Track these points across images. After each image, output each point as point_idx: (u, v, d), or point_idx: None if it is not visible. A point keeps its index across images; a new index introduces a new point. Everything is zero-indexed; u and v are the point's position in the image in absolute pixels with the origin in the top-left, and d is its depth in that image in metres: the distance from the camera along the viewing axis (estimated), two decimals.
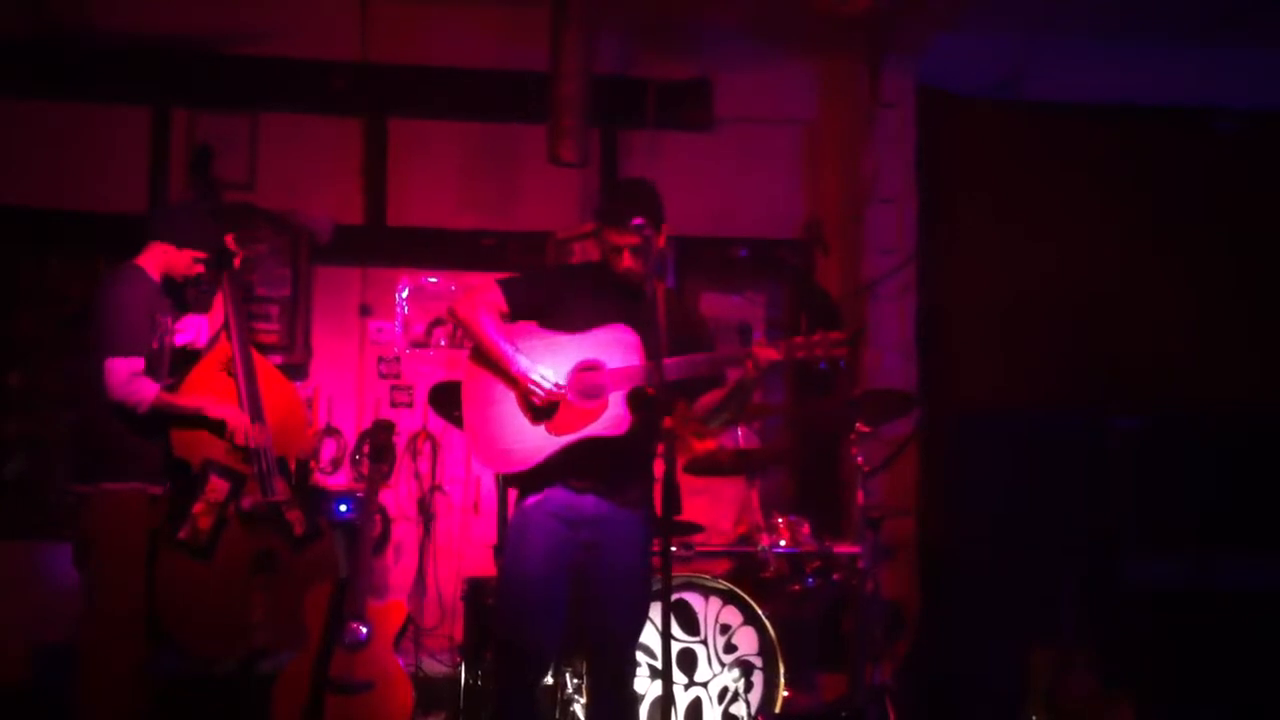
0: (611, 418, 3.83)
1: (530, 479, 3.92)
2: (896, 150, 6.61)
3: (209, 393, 4.76)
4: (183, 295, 4.91)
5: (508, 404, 3.91)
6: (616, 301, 3.94)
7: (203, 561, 4.62)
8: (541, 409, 3.87)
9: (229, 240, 4.88)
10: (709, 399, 4.01)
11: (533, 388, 3.85)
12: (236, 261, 4.89)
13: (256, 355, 4.91)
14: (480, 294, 3.98)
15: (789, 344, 3.77)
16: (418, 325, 6.35)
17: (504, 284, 3.99)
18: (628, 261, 3.90)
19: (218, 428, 4.69)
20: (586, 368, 3.89)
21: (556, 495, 3.90)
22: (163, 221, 4.75)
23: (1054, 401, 6.33)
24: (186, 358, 4.86)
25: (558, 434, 3.85)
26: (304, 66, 6.44)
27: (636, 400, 3.84)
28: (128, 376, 4.45)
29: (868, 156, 6.63)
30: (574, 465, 3.87)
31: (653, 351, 3.76)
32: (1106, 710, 4.94)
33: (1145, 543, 5.82)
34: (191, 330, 4.87)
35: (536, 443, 3.86)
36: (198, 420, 4.66)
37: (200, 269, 4.72)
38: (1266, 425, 6.16)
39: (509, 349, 3.89)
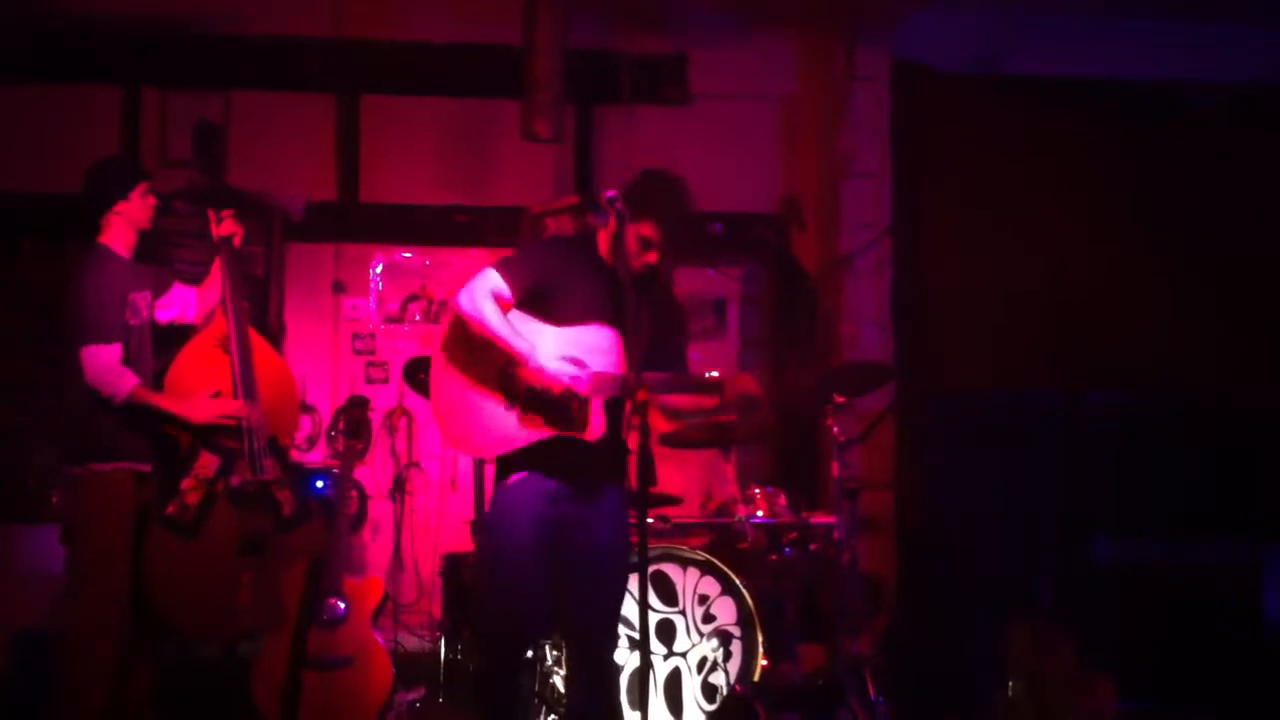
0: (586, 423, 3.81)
1: (506, 460, 3.89)
2: (872, 125, 6.61)
3: (201, 369, 4.67)
4: (169, 266, 4.80)
5: (481, 387, 3.86)
6: (607, 295, 3.86)
7: (190, 541, 4.58)
8: (521, 398, 3.81)
9: (229, 217, 4.81)
10: (678, 400, 4.01)
11: (550, 383, 3.77)
12: (237, 240, 4.82)
13: (253, 333, 4.85)
14: (480, 284, 3.86)
15: (776, 388, 3.82)
16: (392, 301, 6.34)
17: (502, 269, 3.88)
18: (651, 256, 3.84)
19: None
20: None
21: (538, 474, 3.86)
22: (97, 189, 4.62)
23: (1032, 381, 6.34)
24: (175, 334, 4.79)
25: (528, 427, 3.82)
26: (276, 43, 6.41)
27: (611, 410, 3.83)
28: (106, 366, 4.38)
29: (844, 132, 6.63)
30: (546, 458, 3.84)
31: (632, 361, 3.70)
32: (1086, 686, 4.95)
33: (1122, 521, 5.84)
34: (178, 305, 4.77)
35: (507, 432, 3.82)
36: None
37: (154, 200, 4.65)
38: (1243, 407, 6.17)
39: (524, 344, 3.80)
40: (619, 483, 3.96)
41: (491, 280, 3.85)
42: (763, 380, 3.78)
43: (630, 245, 3.83)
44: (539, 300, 3.88)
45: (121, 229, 4.59)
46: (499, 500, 3.92)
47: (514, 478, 3.88)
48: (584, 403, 3.81)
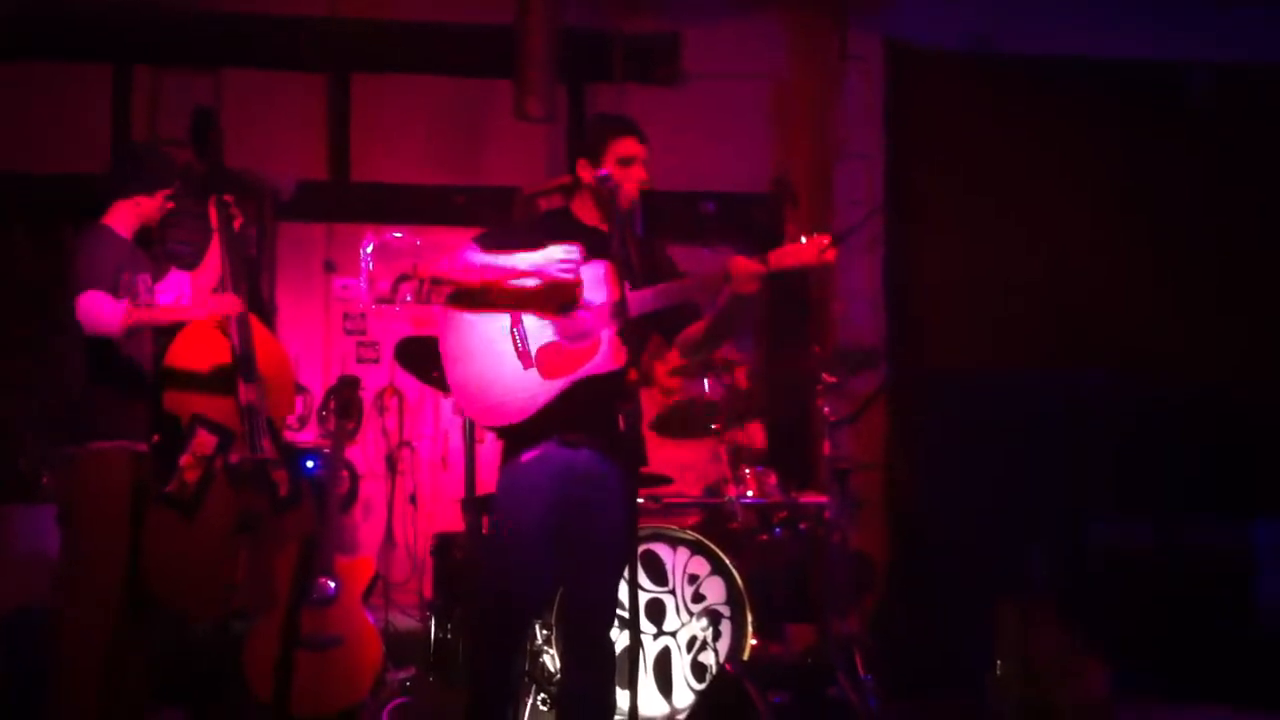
0: (605, 353, 3.76)
1: (524, 430, 3.81)
2: (865, 105, 6.60)
3: (200, 351, 4.66)
4: (162, 245, 4.78)
5: (494, 353, 3.80)
6: (594, 243, 3.84)
7: (188, 518, 4.59)
8: (531, 352, 3.78)
9: (229, 200, 4.80)
10: (692, 330, 3.94)
11: (561, 271, 3.74)
12: (236, 223, 4.82)
13: (251, 315, 4.85)
14: (457, 250, 3.85)
15: (777, 253, 3.66)
16: (383, 281, 6.31)
17: (479, 240, 3.89)
18: (642, 172, 3.79)
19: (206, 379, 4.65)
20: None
21: (552, 452, 3.81)
22: (127, 173, 4.65)
23: (1025, 362, 6.33)
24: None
25: (552, 378, 3.76)
26: (268, 22, 6.38)
27: (626, 333, 3.74)
28: (99, 304, 4.33)
29: (836, 111, 6.62)
30: (569, 412, 3.77)
31: (629, 284, 3.68)
32: (1076, 668, 4.96)
33: (1114, 503, 5.85)
34: (175, 289, 4.75)
35: (531, 390, 3.76)
36: (188, 378, 4.62)
37: (172, 205, 4.65)
38: (1242, 396, 6.17)
39: (507, 260, 3.77)
40: (626, 465, 3.88)
41: (468, 247, 3.85)
42: (767, 258, 3.65)
43: (609, 183, 3.73)
44: None
45: (129, 216, 4.58)
46: (509, 478, 3.86)
47: (527, 455, 3.82)
48: (590, 338, 3.76)
